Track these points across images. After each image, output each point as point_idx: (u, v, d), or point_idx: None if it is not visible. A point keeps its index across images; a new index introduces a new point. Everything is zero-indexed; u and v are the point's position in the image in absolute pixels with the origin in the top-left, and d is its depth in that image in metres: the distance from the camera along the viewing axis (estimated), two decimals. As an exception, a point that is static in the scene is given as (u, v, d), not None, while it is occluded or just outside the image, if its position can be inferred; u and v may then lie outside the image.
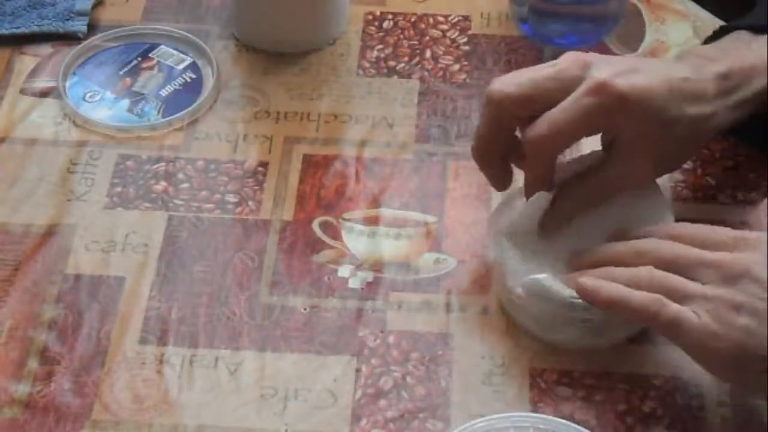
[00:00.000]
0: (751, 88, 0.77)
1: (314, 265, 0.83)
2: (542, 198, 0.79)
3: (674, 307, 0.69)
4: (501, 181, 0.80)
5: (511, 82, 0.75)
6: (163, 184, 0.87)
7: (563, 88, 0.74)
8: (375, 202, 0.86)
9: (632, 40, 0.95)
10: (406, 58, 0.96)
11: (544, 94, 0.75)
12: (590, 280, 0.73)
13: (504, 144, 0.77)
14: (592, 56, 0.76)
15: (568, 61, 0.76)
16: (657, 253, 0.73)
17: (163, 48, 0.97)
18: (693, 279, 0.71)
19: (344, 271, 0.82)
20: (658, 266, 0.72)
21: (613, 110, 0.74)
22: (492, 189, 0.85)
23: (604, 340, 0.77)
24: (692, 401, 0.75)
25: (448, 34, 0.98)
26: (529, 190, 0.78)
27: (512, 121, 0.76)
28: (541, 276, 0.76)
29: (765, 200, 0.81)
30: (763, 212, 0.79)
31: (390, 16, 0.99)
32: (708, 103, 0.76)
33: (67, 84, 0.94)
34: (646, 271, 0.72)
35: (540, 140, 0.74)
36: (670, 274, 0.71)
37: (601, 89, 0.73)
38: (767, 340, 0.67)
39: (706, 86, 0.76)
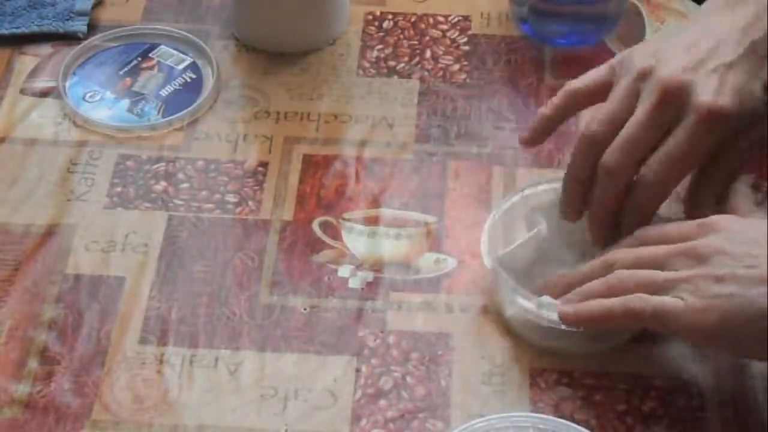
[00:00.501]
0: None
1: (314, 265, 0.83)
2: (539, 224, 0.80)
3: (655, 299, 0.69)
4: (610, 236, 0.78)
5: (620, 152, 0.74)
6: (163, 184, 0.87)
7: (665, 125, 0.74)
8: (375, 202, 0.86)
9: (632, 40, 0.94)
10: (406, 58, 0.96)
11: (651, 143, 0.74)
12: (569, 306, 0.73)
13: (620, 202, 0.76)
14: (668, 73, 0.74)
15: (657, 94, 0.74)
16: (625, 259, 0.73)
17: (163, 48, 0.97)
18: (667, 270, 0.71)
19: (344, 271, 0.82)
20: (628, 267, 0.72)
21: (724, 128, 0.74)
22: (492, 189, 0.86)
23: (603, 345, 0.77)
24: (692, 401, 0.75)
25: (448, 34, 0.98)
26: (628, 229, 0.77)
27: (626, 182, 0.75)
28: (528, 304, 0.76)
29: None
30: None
31: (390, 16, 0.99)
32: None
33: (67, 84, 0.94)
34: (615, 276, 0.72)
35: (663, 180, 0.74)
36: (640, 270, 0.71)
37: (714, 114, 0.73)
38: (753, 298, 0.66)
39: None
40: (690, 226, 0.73)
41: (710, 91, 0.73)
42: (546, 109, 0.80)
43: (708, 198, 0.77)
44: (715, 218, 0.72)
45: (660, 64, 0.75)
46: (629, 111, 0.75)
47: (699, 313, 0.68)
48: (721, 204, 0.76)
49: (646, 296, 0.70)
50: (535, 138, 0.81)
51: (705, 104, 0.73)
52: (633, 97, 0.75)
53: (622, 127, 0.75)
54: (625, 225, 0.77)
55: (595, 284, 0.73)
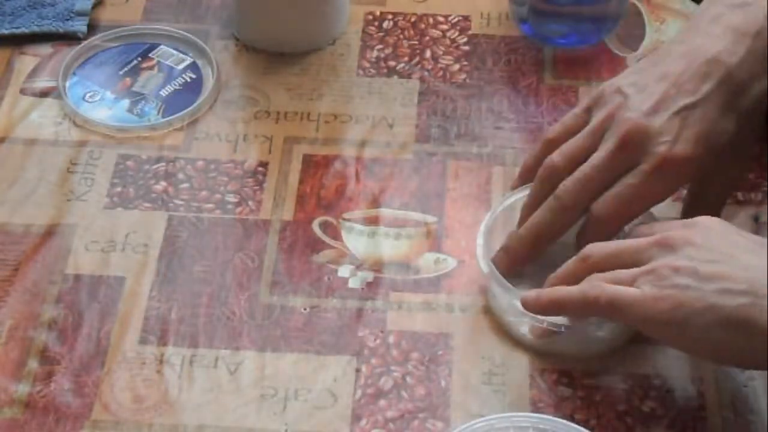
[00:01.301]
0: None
1: (314, 265, 0.83)
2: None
3: (612, 287, 0.70)
4: (530, 261, 0.80)
5: (574, 187, 0.76)
6: (163, 184, 0.87)
7: (621, 169, 0.76)
8: (375, 202, 0.86)
9: (632, 40, 0.95)
10: (406, 58, 0.96)
11: (606, 185, 0.76)
12: (531, 292, 0.74)
13: (559, 236, 0.79)
14: (630, 117, 0.76)
15: (617, 138, 0.76)
16: (599, 252, 0.73)
17: (163, 48, 0.97)
18: (639, 264, 0.71)
19: (344, 271, 0.82)
20: (602, 265, 0.72)
21: (684, 173, 0.76)
22: (492, 189, 0.86)
23: (603, 346, 0.77)
24: (692, 401, 0.75)
25: (448, 34, 0.98)
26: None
27: (574, 219, 0.78)
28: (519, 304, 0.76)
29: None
30: None
31: (390, 16, 0.99)
32: (759, 78, 0.77)
33: (67, 84, 0.94)
34: (588, 279, 0.72)
35: (611, 218, 0.76)
36: (612, 272, 0.71)
37: (669, 163, 0.75)
38: (706, 293, 0.67)
39: (751, 62, 0.77)
40: (676, 223, 0.74)
41: (668, 140, 0.75)
42: (529, 159, 0.82)
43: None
44: (701, 218, 0.72)
45: (626, 104, 0.77)
46: (592, 148, 0.77)
47: (652, 302, 0.68)
48: None
49: (603, 284, 0.70)
50: (522, 183, 0.82)
51: (660, 154, 0.75)
52: (598, 135, 0.77)
53: (583, 161, 0.77)
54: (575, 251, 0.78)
55: (569, 276, 0.74)
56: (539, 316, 0.74)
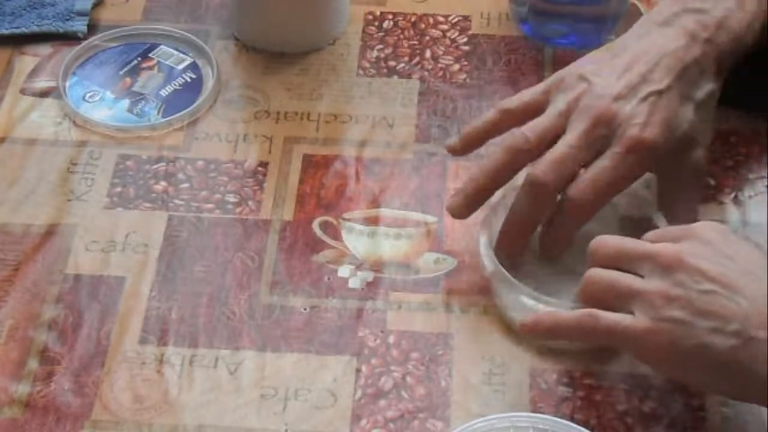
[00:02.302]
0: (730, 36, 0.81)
1: (314, 265, 0.83)
2: None
3: (608, 318, 0.70)
4: (520, 253, 0.80)
5: (550, 168, 0.76)
6: (163, 184, 0.87)
7: (594, 150, 0.77)
8: (375, 202, 0.86)
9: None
10: (406, 58, 0.96)
11: (579, 165, 0.77)
12: (529, 317, 0.74)
13: (540, 220, 0.79)
14: (598, 101, 0.78)
15: (587, 120, 0.77)
16: (604, 249, 0.73)
17: (163, 48, 0.97)
18: (636, 272, 0.71)
19: (344, 271, 0.82)
20: (605, 263, 0.72)
21: (651, 157, 0.77)
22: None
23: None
24: (692, 401, 0.75)
25: (448, 34, 0.98)
26: (555, 247, 0.79)
27: (551, 201, 0.78)
28: (526, 300, 0.76)
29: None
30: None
31: (390, 16, 0.99)
32: (709, 78, 0.80)
33: (67, 84, 0.94)
34: (588, 275, 0.72)
35: (587, 201, 0.77)
36: (616, 276, 0.71)
37: (640, 146, 0.76)
38: (698, 330, 0.67)
39: (703, 64, 0.79)
40: (672, 229, 0.74)
41: (638, 123, 0.77)
42: (478, 121, 0.82)
43: (683, 218, 0.79)
44: (702, 225, 0.72)
45: (592, 89, 0.78)
46: (560, 130, 0.78)
47: (648, 335, 0.68)
48: None
49: (601, 313, 0.70)
50: (463, 147, 0.83)
51: (632, 136, 0.76)
52: (564, 117, 0.78)
53: (551, 142, 0.77)
54: (549, 240, 0.79)
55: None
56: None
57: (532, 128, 0.79)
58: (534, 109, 0.80)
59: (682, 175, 0.80)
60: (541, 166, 0.77)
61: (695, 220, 0.79)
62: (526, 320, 0.74)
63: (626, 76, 0.79)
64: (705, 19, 0.80)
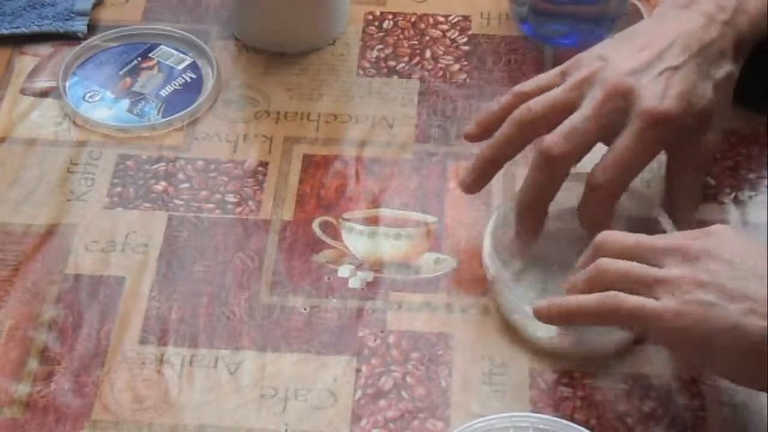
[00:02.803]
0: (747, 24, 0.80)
1: (314, 265, 0.83)
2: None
3: (632, 299, 0.69)
4: (539, 230, 0.79)
5: (563, 139, 0.76)
6: (163, 184, 0.87)
7: (609, 124, 0.76)
8: (375, 202, 0.86)
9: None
10: (406, 58, 0.96)
11: (594, 137, 0.76)
12: (543, 301, 0.73)
13: (554, 194, 0.78)
14: (615, 75, 0.77)
15: (602, 92, 0.76)
16: (614, 241, 0.72)
17: (163, 48, 0.97)
18: (651, 264, 0.70)
19: (344, 271, 0.82)
20: (618, 255, 0.71)
21: (672, 132, 0.76)
22: (492, 189, 0.86)
23: (610, 346, 0.77)
24: (692, 401, 0.75)
25: (448, 34, 0.98)
26: (596, 229, 0.76)
27: (564, 173, 0.77)
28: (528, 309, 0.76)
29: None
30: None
31: (390, 16, 0.99)
32: (728, 59, 0.79)
33: (67, 84, 0.94)
34: (597, 264, 0.71)
35: (613, 183, 0.76)
36: (630, 263, 0.70)
37: (659, 120, 0.75)
38: (731, 312, 0.66)
39: (722, 44, 0.79)
40: (691, 231, 0.73)
41: (655, 96, 0.76)
42: (493, 105, 0.82)
43: (686, 203, 0.80)
44: (717, 226, 0.72)
45: (608, 66, 0.78)
46: (572, 103, 0.77)
47: (674, 316, 0.67)
48: None
49: (622, 295, 0.69)
50: (480, 134, 0.82)
51: (648, 109, 0.75)
52: (577, 92, 0.77)
53: (560, 116, 0.76)
54: (586, 223, 0.78)
55: (579, 276, 0.73)
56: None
57: (537, 101, 0.78)
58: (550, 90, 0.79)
59: (693, 157, 0.79)
60: (552, 137, 0.76)
61: (695, 209, 0.79)
62: (540, 305, 0.73)
63: (643, 54, 0.78)
64: (723, 2, 0.80)
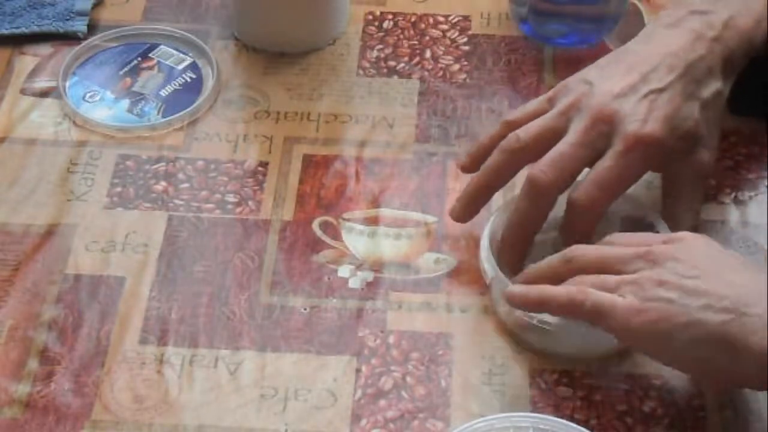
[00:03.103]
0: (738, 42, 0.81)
1: (314, 265, 0.83)
2: None
3: (597, 294, 0.70)
4: (523, 255, 0.80)
5: (550, 167, 0.76)
6: (163, 184, 0.87)
7: (595, 150, 0.77)
8: (375, 202, 0.86)
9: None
10: (406, 58, 0.96)
11: (581, 164, 0.77)
12: (517, 287, 0.74)
13: (541, 222, 0.78)
14: (599, 100, 0.77)
15: (588, 118, 0.77)
16: (583, 257, 0.73)
17: (163, 48, 0.97)
18: (621, 274, 0.71)
19: (344, 271, 0.82)
20: (586, 269, 0.72)
21: (656, 154, 0.77)
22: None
23: (610, 346, 0.77)
24: (692, 401, 0.75)
25: (448, 34, 0.98)
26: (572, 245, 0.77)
27: (552, 201, 0.77)
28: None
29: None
30: None
31: (390, 16, 0.99)
32: (716, 77, 0.79)
33: (67, 84, 0.94)
34: (574, 280, 0.72)
35: (593, 203, 0.76)
36: (597, 276, 0.72)
37: (640, 142, 0.76)
38: (690, 308, 0.67)
39: (710, 61, 0.79)
40: (657, 236, 0.75)
41: (638, 119, 0.76)
42: (484, 138, 0.82)
43: (686, 216, 0.80)
44: (685, 234, 0.73)
45: (593, 91, 0.78)
46: (560, 130, 0.78)
47: (636, 313, 0.68)
48: None
49: (589, 290, 0.70)
50: (472, 165, 0.83)
51: (631, 133, 0.76)
52: (564, 118, 0.78)
53: (549, 144, 0.77)
54: (567, 244, 0.77)
55: (550, 274, 0.74)
56: (530, 313, 0.75)
57: (526, 129, 0.79)
58: (538, 118, 0.80)
59: (687, 176, 0.80)
60: (540, 165, 0.77)
61: (697, 222, 0.79)
62: (513, 290, 0.74)
63: (628, 77, 0.79)
64: (711, 19, 0.80)
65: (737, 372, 0.67)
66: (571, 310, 0.72)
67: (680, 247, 0.71)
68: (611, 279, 0.71)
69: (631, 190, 0.79)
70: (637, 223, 0.81)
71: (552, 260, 0.75)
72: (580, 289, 0.71)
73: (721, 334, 0.66)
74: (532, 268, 0.76)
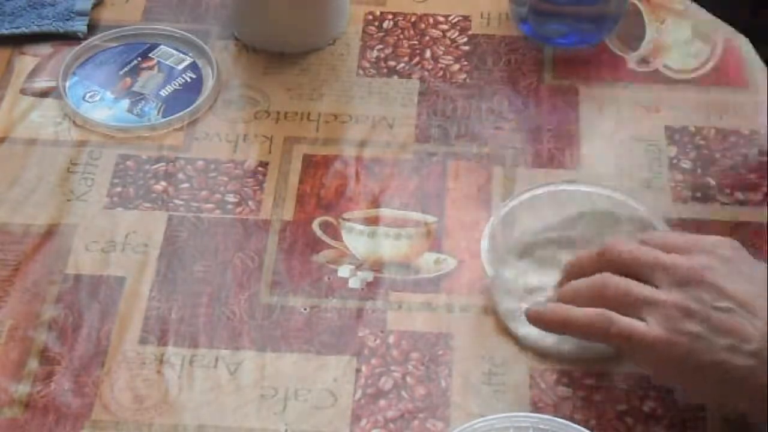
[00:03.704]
0: None
1: (314, 265, 0.83)
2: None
3: (623, 321, 0.69)
4: None
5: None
6: (163, 184, 0.87)
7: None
8: (375, 202, 0.86)
9: (632, 40, 0.95)
10: (406, 58, 0.96)
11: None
12: (537, 306, 0.74)
13: None
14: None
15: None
16: (616, 253, 0.73)
17: (163, 48, 0.97)
18: (649, 281, 0.71)
19: (344, 271, 0.82)
20: (616, 267, 0.72)
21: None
22: (492, 189, 0.86)
23: (600, 349, 0.77)
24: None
25: (448, 34, 0.98)
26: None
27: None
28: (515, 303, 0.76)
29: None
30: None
31: (390, 16, 0.99)
32: None
33: (67, 84, 0.94)
34: (600, 277, 0.72)
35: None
36: (625, 280, 0.71)
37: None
38: (715, 347, 0.67)
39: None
40: (684, 238, 0.73)
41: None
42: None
43: None
44: (718, 240, 0.72)
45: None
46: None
47: (660, 344, 0.68)
48: None
49: (615, 317, 0.70)
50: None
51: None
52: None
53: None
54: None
55: (581, 283, 0.73)
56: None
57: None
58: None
59: None
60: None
61: None
62: (532, 310, 0.73)
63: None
64: None
65: (763, 412, 0.67)
66: (593, 334, 0.71)
67: (709, 263, 0.70)
68: (633, 291, 0.70)
69: (631, 190, 0.79)
70: (638, 224, 0.81)
71: (588, 254, 0.74)
72: (603, 313, 0.70)
73: (745, 378, 0.66)
74: (567, 265, 0.75)
